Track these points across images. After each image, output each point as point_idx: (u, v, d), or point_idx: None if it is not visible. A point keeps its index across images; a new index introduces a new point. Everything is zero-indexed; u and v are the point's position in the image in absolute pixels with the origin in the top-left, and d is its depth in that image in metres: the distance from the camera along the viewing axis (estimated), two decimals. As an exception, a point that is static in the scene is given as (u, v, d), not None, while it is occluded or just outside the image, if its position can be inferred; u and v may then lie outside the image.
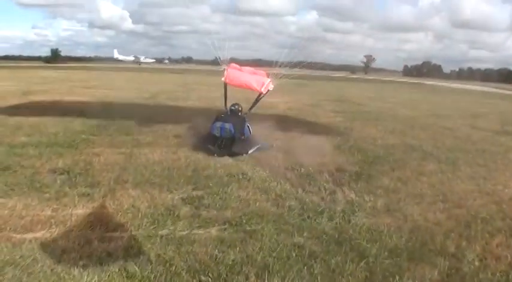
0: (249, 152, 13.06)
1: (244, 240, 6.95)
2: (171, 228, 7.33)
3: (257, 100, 14.32)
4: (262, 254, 6.50)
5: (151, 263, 6.10)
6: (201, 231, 7.28)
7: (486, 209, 9.33)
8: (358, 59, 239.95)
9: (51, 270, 5.84)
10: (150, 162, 11.62)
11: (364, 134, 18.51)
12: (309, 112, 26.89)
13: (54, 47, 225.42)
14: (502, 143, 18.70)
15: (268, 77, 14.08)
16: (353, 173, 11.54)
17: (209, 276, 5.85)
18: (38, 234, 6.93)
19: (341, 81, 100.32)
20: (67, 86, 40.55)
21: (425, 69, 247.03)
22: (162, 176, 10.35)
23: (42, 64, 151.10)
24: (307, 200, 9.21)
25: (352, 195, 9.68)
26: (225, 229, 7.43)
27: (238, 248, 6.65)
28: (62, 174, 10.24)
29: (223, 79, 13.76)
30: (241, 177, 10.58)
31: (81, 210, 8.03)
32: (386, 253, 6.82)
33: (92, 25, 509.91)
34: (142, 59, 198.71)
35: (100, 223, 7.34)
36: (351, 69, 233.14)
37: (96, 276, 5.72)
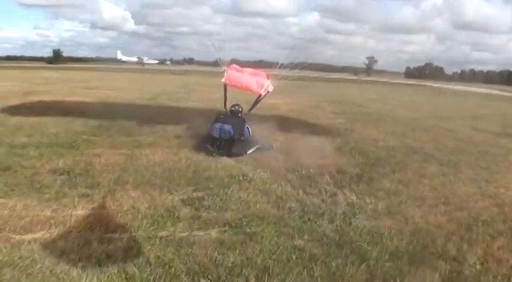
0: (248, 152, 13.06)
1: (244, 243, 6.92)
2: (170, 229, 7.30)
3: (257, 101, 14.33)
4: (262, 257, 6.46)
5: (150, 265, 6.07)
6: (200, 233, 7.25)
7: (488, 212, 9.29)
8: (360, 61, 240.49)
9: (50, 271, 5.81)
10: (151, 163, 11.60)
11: (365, 136, 18.48)
12: (310, 113, 26.86)
13: (56, 48, 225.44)
14: (504, 145, 18.66)
15: (268, 78, 14.11)
16: (354, 175, 11.51)
17: (208, 279, 5.82)
18: (37, 235, 6.91)
19: (342, 83, 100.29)
20: (69, 87, 40.55)
21: (427, 71, 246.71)
22: (162, 177, 10.33)
23: (44, 65, 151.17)
24: (307, 202, 9.17)
25: (353, 198, 9.64)
26: (225, 231, 7.39)
27: (238, 250, 6.61)
28: (62, 174, 10.22)
29: (223, 80, 13.74)
30: (242, 178, 10.56)
31: (80, 211, 8.00)
32: (387, 256, 6.78)
33: (94, 26, 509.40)
34: (145, 60, 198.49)
35: (100, 224, 7.31)
36: (353, 70, 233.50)
37: (95, 278, 5.69)
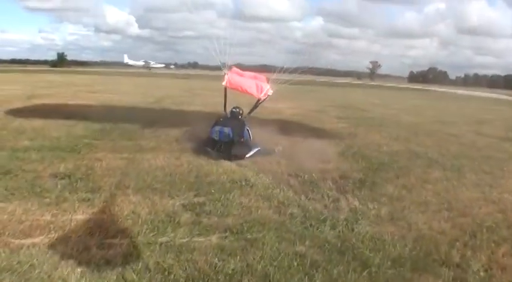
0: (247, 155, 13.06)
1: (244, 249, 6.84)
2: (171, 235, 7.23)
3: (256, 105, 14.42)
4: (263, 263, 6.38)
5: (149, 271, 6.01)
6: (201, 239, 7.18)
7: (492, 218, 9.19)
8: (363, 65, 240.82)
9: (49, 276, 5.76)
10: (152, 168, 11.56)
11: (368, 141, 18.40)
12: (313, 118, 26.80)
13: (61, 51, 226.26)
14: (508, 149, 18.55)
15: (268, 82, 14.21)
16: (357, 180, 11.43)
17: (208, 286, 5.76)
18: (37, 240, 6.86)
19: (345, 87, 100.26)
20: (72, 91, 40.68)
21: (431, 76, 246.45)
22: (163, 182, 10.28)
23: (48, 68, 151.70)
24: (310, 207, 9.10)
25: (356, 203, 9.56)
26: (225, 237, 7.32)
27: (238, 257, 6.53)
28: (63, 178, 10.19)
29: (224, 83, 13.82)
30: (243, 183, 10.49)
31: (81, 216, 7.96)
32: (389, 263, 6.70)
33: (98, 30, 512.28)
34: (152, 64, 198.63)
35: (99, 229, 7.26)
36: (356, 75, 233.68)
37: (93, 283, 5.63)
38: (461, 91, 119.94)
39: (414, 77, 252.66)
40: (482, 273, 6.65)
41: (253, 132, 14.27)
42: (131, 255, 6.44)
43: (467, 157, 15.89)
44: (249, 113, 14.52)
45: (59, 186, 9.57)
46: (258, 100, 14.19)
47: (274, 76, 14.62)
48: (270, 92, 14.04)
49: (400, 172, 12.71)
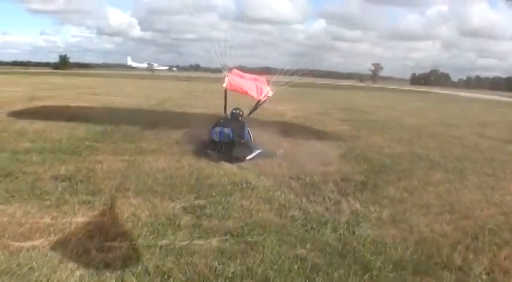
0: (248, 157, 13.03)
1: (245, 252, 6.79)
2: (171, 238, 7.19)
3: (256, 106, 14.46)
4: (263, 267, 6.34)
5: (149, 274, 5.97)
6: (201, 242, 7.14)
7: (494, 220, 9.13)
8: (366, 68, 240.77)
9: (48, 279, 5.75)
10: (153, 170, 11.53)
11: (370, 143, 18.34)
12: (315, 120, 26.76)
13: (63, 54, 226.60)
14: (511, 152, 18.47)
15: (268, 84, 14.29)
16: (359, 183, 11.38)
17: (208, 289, 5.72)
18: (36, 243, 6.83)
19: (348, 90, 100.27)
20: (74, 93, 40.71)
21: (433, 78, 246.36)
22: (164, 185, 10.24)
23: (50, 70, 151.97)
24: (311, 210, 9.04)
25: (357, 206, 9.51)
26: (226, 240, 7.27)
27: (238, 260, 6.49)
28: (63, 181, 10.17)
29: (224, 85, 13.85)
30: (244, 186, 10.44)
31: (81, 219, 7.93)
32: (390, 266, 6.65)
33: (100, 32, 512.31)
34: (155, 66, 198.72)
35: (99, 232, 7.23)
36: (359, 77, 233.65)
37: (92, 287, 5.60)
38: (463, 93, 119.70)
39: (416, 79, 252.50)
40: (484, 276, 6.60)
41: (254, 134, 14.25)
42: (131, 258, 6.40)
43: (470, 159, 15.83)
44: (249, 114, 14.53)
45: (59, 189, 9.54)
46: (258, 101, 14.23)
47: (274, 78, 14.66)
48: (270, 94, 14.10)
49: (402, 174, 12.66)
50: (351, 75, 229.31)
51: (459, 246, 7.59)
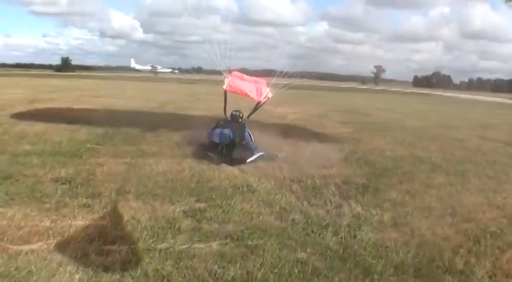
0: (249, 159, 13.00)
1: (245, 256, 6.74)
2: (171, 241, 7.14)
3: (256, 108, 14.48)
4: (263, 270, 6.28)
5: (148, 278, 5.92)
6: (201, 246, 7.08)
7: (496, 223, 9.05)
8: (368, 70, 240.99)
9: (46, 283, 5.68)
10: (154, 173, 11.47)
11: (372, 146, 18.27)
12: (316, 123, 26.71)
13: (65, 56, 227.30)
14: (513, 154, 18.35)
15: (268, 86, 14.35)
16: (360, 186, 11.30)
17: (207, 293, 5.68)
18: (35, 246, 6.78)
19: (349, 92, 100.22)
20: (76, 95, 40.75)
21: (435, 80, 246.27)
22: (165, 188, 10.19)
23: (52, 72, 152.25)
24: (312, 213, 8.98)
25: (359, 209, 9.44)
26: (226, 244, 7.21)
27: (238, 264, 6.43)
28: (63, 184, 10.12)
29: (224, 87, 13.95)
30: (245, 189, 10.38)
31: (80, 222, 7.89)
32: (392, 270, 6.59)
33: (103, 34, 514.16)
34: (159, 68, 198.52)
35: (99, 235, 7.17)
36: (361, 79, 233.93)
37: (91, 291, 5.56)
38: (464, 95, 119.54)
39: (419, 82, 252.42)
40: (486, 280, 6.54)
41: (255, 137, 14.21)
42: (130, 262, 6.35)
43: (472, 162, 15.76)
44: (249, 116, 14.53)
45: (59, 192, 9.50)
46: (258, 103, 14.28)
47: (273, 80, 14.68)
48: (270, 95, 14.17)
49: (404, 177, 12.60)
50: (353, 78, 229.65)
51: (461, 250, 7.51)
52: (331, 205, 9.62)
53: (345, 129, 24.28)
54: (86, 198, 9.16)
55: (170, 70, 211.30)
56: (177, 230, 7.64)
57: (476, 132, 25.93)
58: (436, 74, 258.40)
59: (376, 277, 6.33)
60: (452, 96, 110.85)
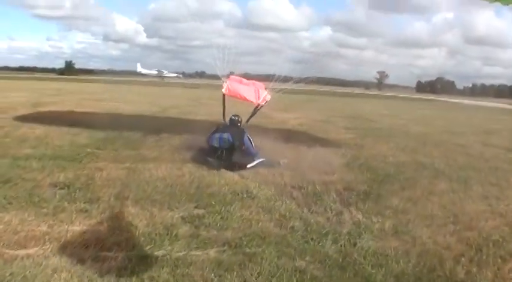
0: (250, 165, 12.93)
1: (242, 264, 6.64)
2: (168, 248, 7.06)
3: (255, 111, 14.51)
4: (261, 279, 6.20)
5: (144, 285, 5.85)
6: (198, 253, 7.00)
7: (498, 231, 8.95)
8: (371, 75, 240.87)
9: (40, 289, 5.61)
10: (153, 178, 11.40)
11: (375, 152, 18.15)
12: (319, 128, 26.55)
13: (69, 59, 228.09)
14: (514, 160, 18.22)
15: (265, 89, 14.39)
16: (361, 192, 11.20)
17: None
18: (31, 251, 6.73)
19: (352, 97, 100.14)
20: (78, 99, 40.76)
21: (439, 85, 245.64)
22: (164, 193, 10.12)
23: (55, 76, 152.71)
24: (312, 220, 8.88)
25: (359, 216, 9.33)
26: (223, 251, 7.12)
27: (235, 272, 6.34)
28: (62, 188, 10.08)
29: (223, 90, 13.98)
30: (245, 195, 10.29)
31: (77, 227, 7.82)
32: (392, 279, 6.52)
33: (106, 38, 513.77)
34: (165, 73, 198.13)
35: (95, 241, 7.12)
36: (364, 85, 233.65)
37: (85, 298, 5.49)
38: (467, 101, 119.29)
39: (422, 87, 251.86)
40: (488, 291, 6.45)
41: (256, 142, 14.12)
42: (126, 269, 6.28)
43: (474, 168, 15.65)
44: (248, 120, 14.53)
45: (57, 196, 9.45)
46: (257, 106, 14.30)
47: (271, 85, 14.66)
48: (268, 98, 14.18)
49: (406, 184, 12.50)
50: (357, 83, 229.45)
51: (463, 259, 7.43)
52: (331, 212, 9.52)
53: (347, 135, 24.13)
54: (84, 203, 9.10)
55: (176, 75, 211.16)
56: (175, 237, 7.56)
57: (480, 138, 25.81)
58: (440, 80, 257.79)
59: (375, 287, 6.23)
60: (456, 102, 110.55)
